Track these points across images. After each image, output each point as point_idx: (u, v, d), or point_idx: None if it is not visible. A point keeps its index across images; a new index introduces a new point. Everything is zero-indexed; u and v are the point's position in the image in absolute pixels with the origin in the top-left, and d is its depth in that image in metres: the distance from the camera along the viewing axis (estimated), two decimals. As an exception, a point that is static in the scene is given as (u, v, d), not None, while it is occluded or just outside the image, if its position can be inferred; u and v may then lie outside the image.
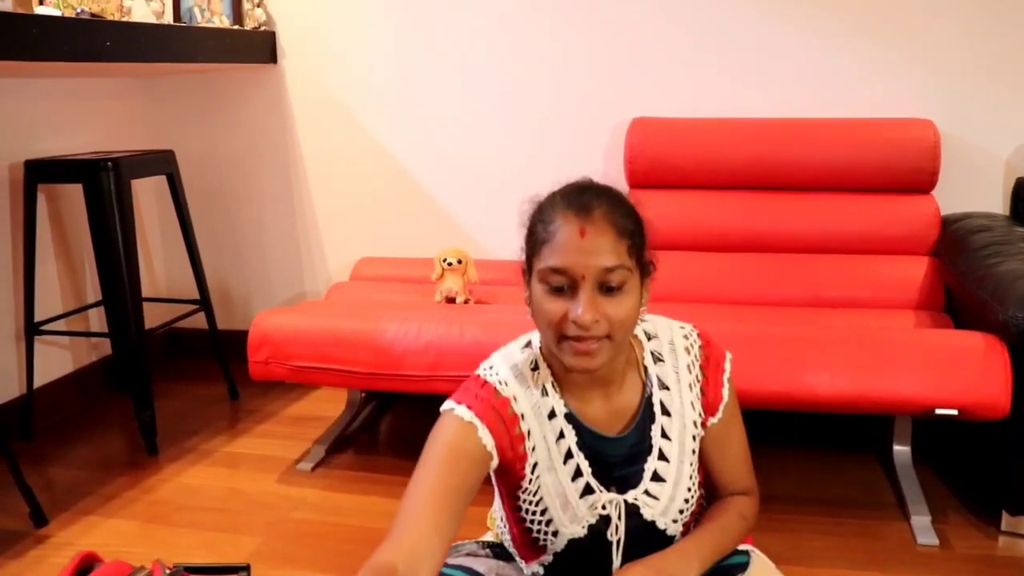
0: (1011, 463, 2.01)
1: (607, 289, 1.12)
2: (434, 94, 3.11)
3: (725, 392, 1.31)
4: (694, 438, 1.30)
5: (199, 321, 3.16)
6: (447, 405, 1.21)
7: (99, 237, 2.68)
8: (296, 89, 3.22)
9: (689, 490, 1.29)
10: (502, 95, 3.06)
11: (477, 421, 1.18)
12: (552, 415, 1.25)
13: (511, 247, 1.31)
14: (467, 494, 1.15)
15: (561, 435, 1.25)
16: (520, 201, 2.68)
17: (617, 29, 2.90)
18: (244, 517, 2.28)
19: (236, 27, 3.04)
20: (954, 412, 1.94)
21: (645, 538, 1.29)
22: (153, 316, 2.99)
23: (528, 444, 1.24)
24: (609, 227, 1.12)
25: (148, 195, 3.41)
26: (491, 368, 1.26)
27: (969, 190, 2.73)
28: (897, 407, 1.99)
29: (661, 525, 1.28)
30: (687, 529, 1.35)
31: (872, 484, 2.37)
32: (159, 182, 3.30)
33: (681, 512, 1.29)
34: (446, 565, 1.33)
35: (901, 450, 2.35)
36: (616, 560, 1.29)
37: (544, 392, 1.25)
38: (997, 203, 2.75)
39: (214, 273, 3.39)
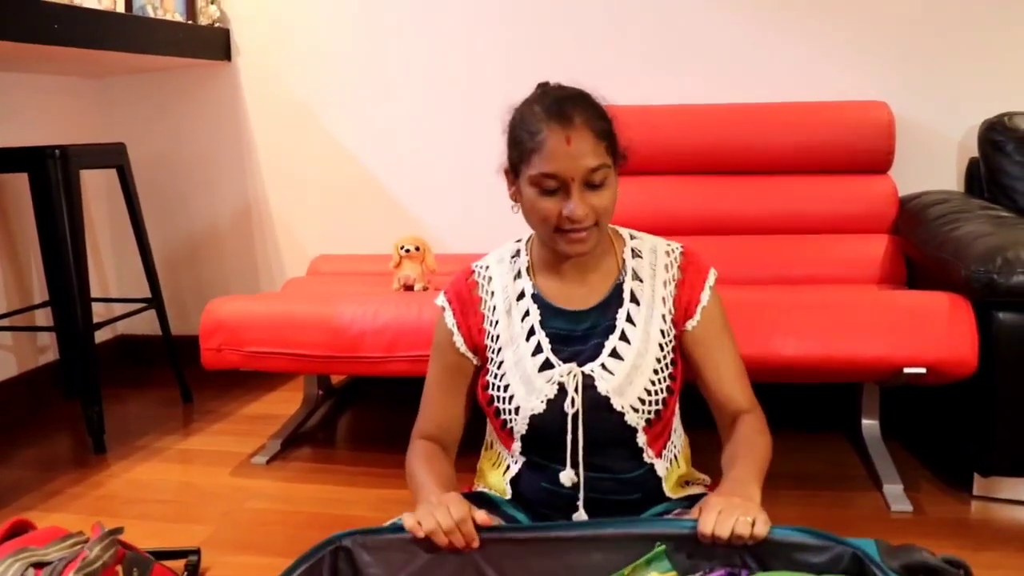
0: (980, 422, 1.99)
1: (592, 186, 1.26)
2: (389, 92, 3.09)
3: (704, 296, 1.39)
4: (663, 333, 1.37)
5: (151, 327, 3.07)
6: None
7: (45, 229, 2.58)
8: (250, 87, 3.18)
9: (653, 384, 1.34)
10: (458, 91, 3.04)
11: (446, 304, 1.44)
12: (521, 296, 1.40)
13: (470, 242, 1.51)
14: (455, 373, 1.43)
15: (526, 314, 1.38)
16: (478, 197, 2.71)
17: (573, 20, 2.91)
18: (196, 508, 2.18)
19: (190, 22, 2.99)
20: (922, 370, 1.91)
21: (603, 420, 1.33)
22: (103, 317, 2.89)
23: (491, 318, 1.40)
24: (590, 133, 1.26)
25: (99, 195, 3.33)
26: (483, 259, 1.47)
27: (924, 172, 2.75)
28: (865, 368, 1.96)
29: (617, 405, 1.32)
30: (653, 434, 1.37)
31: (842, 459, 2.34)
32: (110, 182, 3.23)
33: (642, 402, 1.33)
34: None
35: (869, 423, 2.33)
36: (570, 438, 1.32)
37: (518, 275, 1.41)
38: (951, 184, 2.77)
39: (168, 277, 3.30)
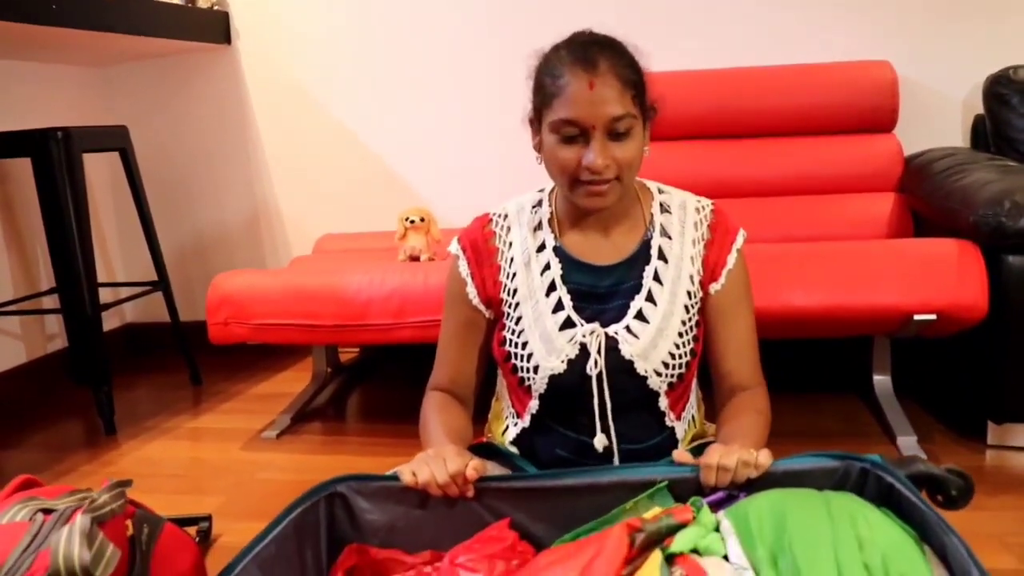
0: (992, 370, 1.97)
1: (615, 135, 1.19)
2: (390, 70, 3.08)
3: (731, 259, 1.32)
4: (690, 295, 1.30)
5: (158, 315, 3.07)
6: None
7: (50, 213, 2.58)
8: (251, 70, 3.18)
9: (678, 347, 1.29)
10: (458, 68, 3.03)
11: (460, 252, 1.36)
12: (542, 248, 1.32)
13: (473, 216, 1.41)
14: (470, 325, 1.36)
15: (547, 267, 1.31)
16: (481, 172, 2.95)
17: (572, -8, 2.90)
18: (207, 481, 2.18)
19: (189, 5, 3.00)
20: (932, 317, 1.90)
21: (626, 383, 1.28)
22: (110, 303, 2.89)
23: (508, 271, 1.33)
24: (615, 79, 1.18)
25: (103, 184, 3.33)
26: (501, 205, 1.39)
27: (929, 130, 2.73)
28: (876, 317, 1.94)
29: (640, 370, 1.27)
30: (675, 396, 1.33)
31: (855, 416, 2.32)
32: (114, 172, 3.23)
33: (666, 366, 1.27)
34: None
35: (881, 379, 2.32)
36: (597, 401, 1.27)
37: (539, 226, 1.34)
38: (956, 143, 2.75)
39: (174, 264, 3.30)
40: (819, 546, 0.96)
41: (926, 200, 2.30)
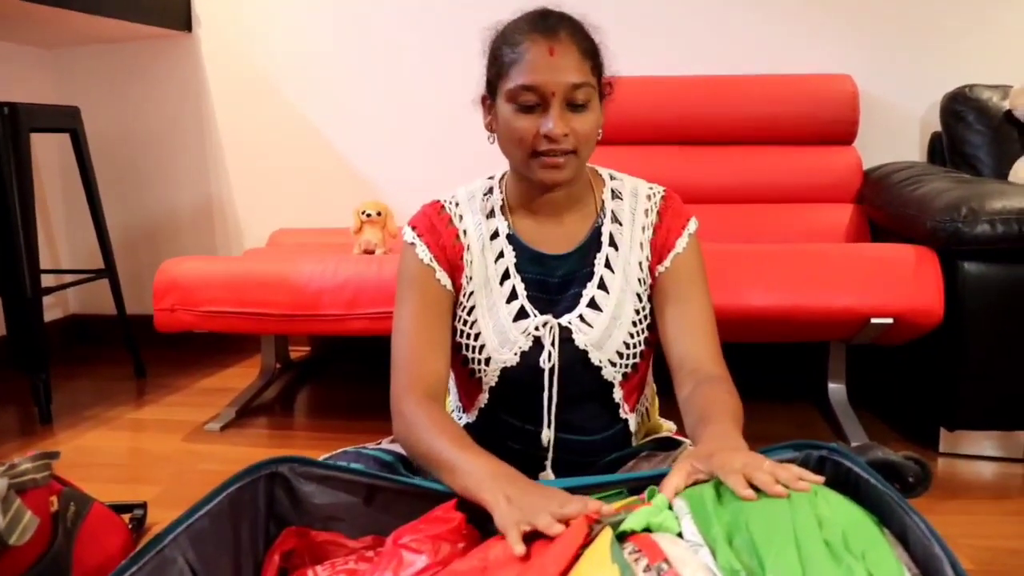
0: (946, 377, 1.98)
1: (574, 106, 1.16)
2: (353, 65, 3.04)
3: (680, 243, 1.28)
4: (641, 282, 1.27)
5: (103, 306, 2.97)
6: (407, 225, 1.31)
7: (-8, 192, 2.50)
8: (211, 59, 3.11)
9: (632, 336, 1.26)
10: (421, 64, 3.00)
11: (417, 239, 1.27)
12: (495, 235, 1.28)
13: None
14: (440, 311, 1.25)
15: (500, 255, 1.27)
16: (441, 172, 2.78)
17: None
18: (145, 471, 2.10)
19: (148, -11, 2.93)
20: (889, 320, 1.90)
21: (580, 375, 1.25)
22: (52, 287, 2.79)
23: (467, 257, 1.27)
24: (575, 47, 1.17)
25: (51, 166, 3.23)
26: (449, 193, 1.33)
27: (888, 145, 2.75)
28: (833, 319, 1.94)
29: (595, 360, 1.24)
30: (629, 388, 1.30)
31: (810, 423, 2.32)
32: (63, 153, 3.13)
33: (621, 356, 1.25)
34: (377, 448, 1.32)
35: (836, 387, 2.31)
36: (547, 395, 1.23)
37: (491, 214, 1.29)
38: (914, 158, 2.78)
39: (124, 255, 3.20)
40: (777, 523, 0.93)
41: (884, 209, 2.31)
